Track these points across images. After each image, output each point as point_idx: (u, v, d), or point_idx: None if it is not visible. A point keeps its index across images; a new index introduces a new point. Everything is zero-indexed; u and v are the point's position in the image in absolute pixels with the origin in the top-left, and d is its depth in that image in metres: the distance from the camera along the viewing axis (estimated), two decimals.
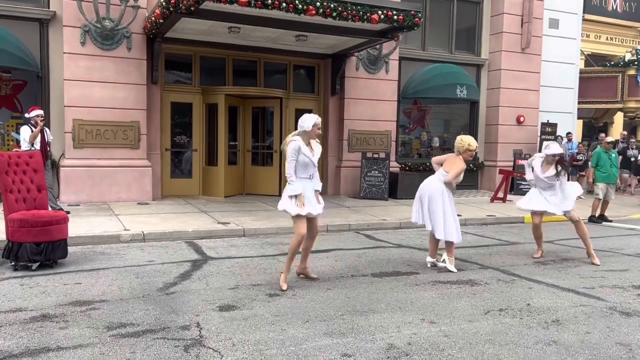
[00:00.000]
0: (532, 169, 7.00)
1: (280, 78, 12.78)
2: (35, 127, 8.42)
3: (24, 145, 8.42)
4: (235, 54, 11.93)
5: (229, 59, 12.02)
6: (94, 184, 10.18)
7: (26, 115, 8.69)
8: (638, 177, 15.68)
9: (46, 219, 5.84)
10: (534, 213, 7.08)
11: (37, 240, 5.71)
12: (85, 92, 10.14)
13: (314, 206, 5.32)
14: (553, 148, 6.80)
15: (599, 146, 11.40)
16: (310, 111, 12.82)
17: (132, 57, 10.47)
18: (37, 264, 5.74)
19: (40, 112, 8.57)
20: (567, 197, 6.84)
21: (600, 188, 10.52)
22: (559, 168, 6.75)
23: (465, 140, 6.20)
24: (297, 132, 5.30)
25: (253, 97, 12.25)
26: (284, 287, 5.21)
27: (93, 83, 10.19)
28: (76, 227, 7.40)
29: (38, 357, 3.51)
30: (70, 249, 6.27)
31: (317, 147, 5.36)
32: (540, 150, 14.38)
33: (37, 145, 8.40)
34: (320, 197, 5.45)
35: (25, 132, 8.47)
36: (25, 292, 4.97)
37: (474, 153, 6.32)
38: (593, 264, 6.70)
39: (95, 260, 6.27)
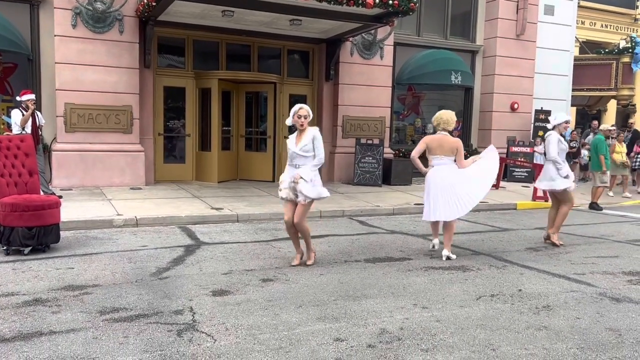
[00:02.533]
0: (560, 145, 6.92)
1: (274, 63, 12.69)
2: (27, 111, 8.35)
3: (15, 129, 8.35)
4: (229, 38, 11.82)
5: (223, 43, 11.91)
6: (87, 168, 10.13)
7: (18, 98, 8.62)
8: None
9: (38, 204, 5.81)
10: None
11: (29, 225, 5.68)
12: (77, 75, 10.03)
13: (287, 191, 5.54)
14: (560, 117, 6.96)
15: (599, 133, 11.31)
16: (304, 96, 12.80)
17: (125, 40, 10.35)
18: (30, 248, 5.72)
19: (32, 96, 8.50)
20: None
21: (608, 176, 10.58)
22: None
23: (451, 115, 6.32)
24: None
25: (247, 81, 12.16)
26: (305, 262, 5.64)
27: (85, 66, 10.08)
28: (68, 212, 7.36)
29: (31, 341, 3.51)
30: (62, 234, 6.25)
31: (306, 136, 5.42)
32: (536, 136, 14.43)
33: (28, 129, 8.33)
34: (300, 183, 5.37)
35: (16, 115, 8.39)
36: (17, 276, 4.95)
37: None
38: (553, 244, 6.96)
39: (88, 245, 6.25)
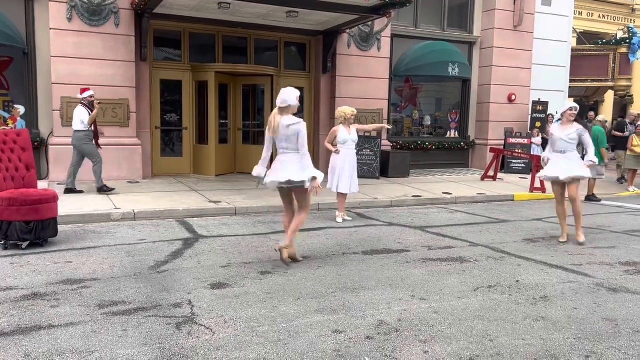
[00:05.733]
0: (551, 137, 6.86)
1: (271, 55, 12.64)
2: (89, 108, 8.66)
3: (81, 127, 8.61)
4: (225, 31, 11.75)
5: (219, 36, 11.85)
6: (84, 162, 10.06)
7: (79, 96, 8.85)
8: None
9: (35, 198, 5.80)
10: (553, 183, 6.91)
11: (27, 219, 5.68)
12: (73, 69, 9.98)
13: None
14: (567, 104, 6.83)
15: (596, 124, 11.25)
16: (301, 89, 12.71)
17: (120, 33, 10.29)
18: (27, 242, 5.72)
19: (92, 92, 8.86)
20: (581, 165, 6.75)
21: (605, 168, 10.55)
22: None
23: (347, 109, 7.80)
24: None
25: (243, 74, 12.12)
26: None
27: (81, 60, 10.02)
28: (66, 206, 7.35)
29: (30, 335, 3.52)
30: (60, 228, 6.25)
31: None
32: (533, 127, 14.43)
33: (78, 125, 8.60)
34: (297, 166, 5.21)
35: (82, 113, 8.61)
36: (15, 270, 4.95)
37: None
38: (578, 242, 6.63)
39: (86, 239, 6.25)
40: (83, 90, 8.82)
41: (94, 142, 8.77)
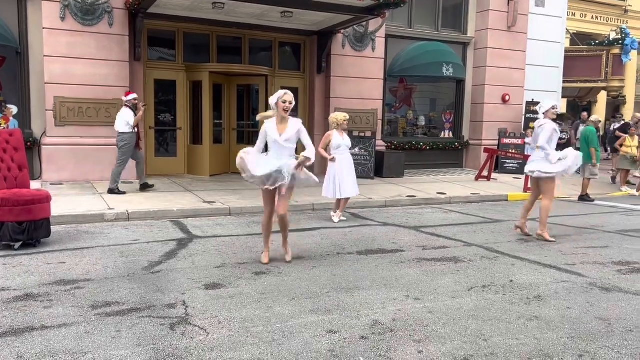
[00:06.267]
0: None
1: (266, 55, 12.63)
2: (134, 110, 8.86)
3: (126, 128, 8.79)
4: (220, 31, 11.74)
5: (213, 36, 11.83)
6: (77, 162, 10.05)
7: (123, 98, 9.06)
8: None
9: (28, 198, 5.77)
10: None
11: (20, 220, 5.64)
12: (66, 68, 9.93)
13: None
14: (546, 103, 6.94)
15: (589, 124, 11.28)
16: (296, 89, 12.74)
17: (114, 33, 10.25)
18: (20, 243, 5.68)
19: (136, 95, 9.19)
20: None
21: (598, 168, 10.61)
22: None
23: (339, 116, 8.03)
24: (272, 110, 5.29)
25: (238, 74, 12.10)
26: (264, 260, 5.42)
27: (74, 59, 9.97)
28: (59, 206, 7.31)
29: (22, 336, 3.50)
30: (53, 228, 6.21)
31: (290, 127, 5.21)
32: (527, 127, 14.49)
33: (123, 127, 8.79)
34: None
35: (128, 115, 8.79)
36: (8, 271, 4.92)
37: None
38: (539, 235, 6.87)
39: (79, 240, 6.22)
40: (127, 93, 9.10)
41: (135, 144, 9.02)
